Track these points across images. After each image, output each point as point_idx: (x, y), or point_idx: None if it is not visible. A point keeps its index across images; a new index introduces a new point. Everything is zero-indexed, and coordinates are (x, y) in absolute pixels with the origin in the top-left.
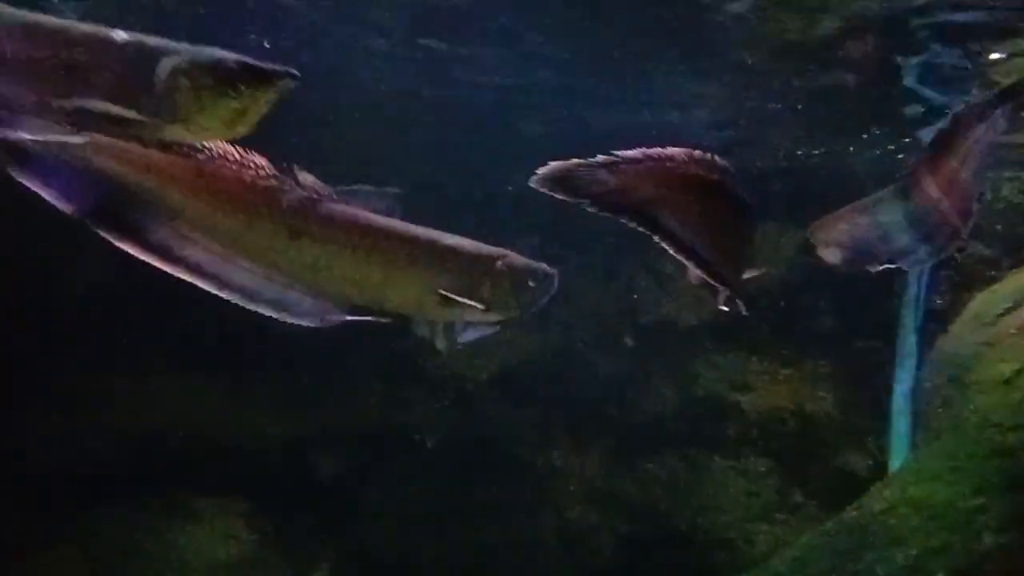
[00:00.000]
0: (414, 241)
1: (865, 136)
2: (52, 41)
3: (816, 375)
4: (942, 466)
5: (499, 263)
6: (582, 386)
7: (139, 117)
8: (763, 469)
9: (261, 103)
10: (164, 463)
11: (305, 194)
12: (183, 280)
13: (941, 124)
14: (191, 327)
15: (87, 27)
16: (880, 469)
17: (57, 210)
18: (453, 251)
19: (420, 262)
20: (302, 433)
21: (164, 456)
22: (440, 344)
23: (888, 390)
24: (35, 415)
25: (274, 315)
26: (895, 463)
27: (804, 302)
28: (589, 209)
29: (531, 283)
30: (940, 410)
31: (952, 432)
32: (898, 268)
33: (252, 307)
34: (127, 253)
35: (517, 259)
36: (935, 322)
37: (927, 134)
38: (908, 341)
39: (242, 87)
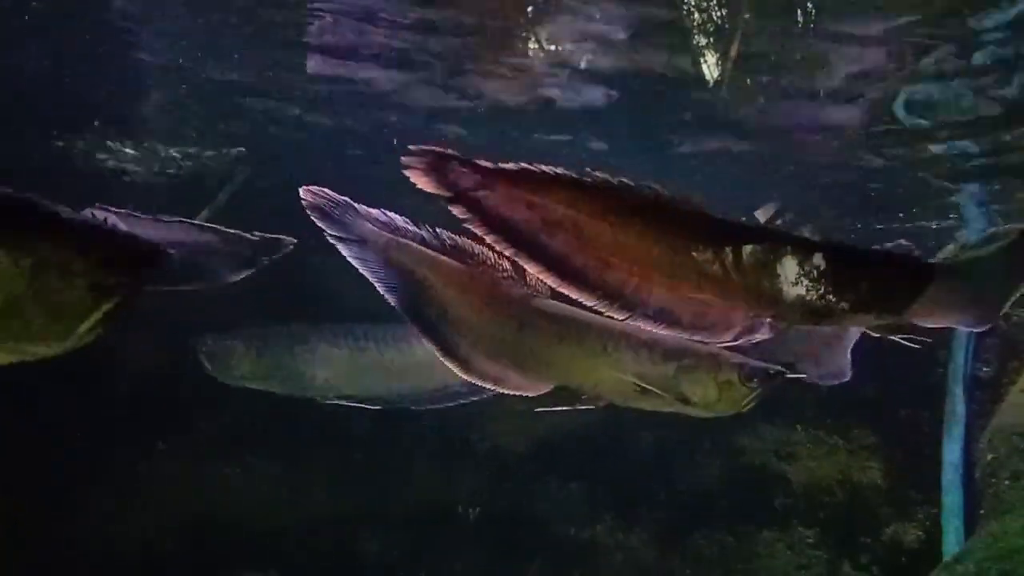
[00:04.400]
0: (612, 333)
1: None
2: None
3: (862, 444)
4: (1019, 541)
5: (687, 360)
6: (627, 460)
7: None
8: (811, 541)
9: None
10: (215, 544)
11: (529, 291)
12: None
13: None
14: (243, 408)
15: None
16: (931, 541)
17: None
18: (650, 345)
19: (617, 353)
20: (350, 511)
21: (215, 537)
22: None
23: (937, 460)
24: (88, 497)
25: (494, 389)
26: (948, 535)
27: None
28: None
29: (741, 382)
30: (1008, 482)
31: None
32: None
33: (481, 384)
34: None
35: (728, 357)
36: (982, 390)
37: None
38: (956, 410)
39: None
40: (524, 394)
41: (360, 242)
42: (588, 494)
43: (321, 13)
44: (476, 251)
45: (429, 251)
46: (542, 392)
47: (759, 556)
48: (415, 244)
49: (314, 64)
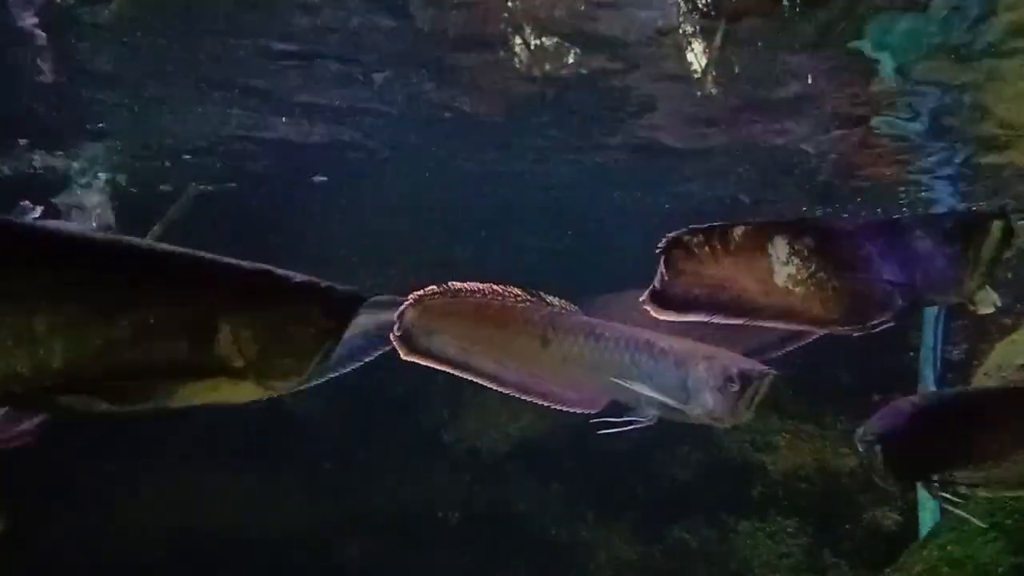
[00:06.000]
0: (629, 343)
1: None
2: None
3: (838, 432)
4: (981, 525)
5: (687, 364)
6: (605, 456)
7: None
8: (791, 529)
9: None
10: (193, 556)
11: (551, 310)
12: None
13: None
14: (217, 422)
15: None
16: (909, 525)
17: None
18: (664, 352)
19: (640, 363)
20: (328, 519)
21: (193, 549)
22: None
23: None
24: (66, 512)
25: (542, 403)
26: (924, 518)
27: (821, 358)
28: None
29: (734, 386)
30: None
31: None
32: (913, 321)
33: (526, 398)
34: None
35: (723, 361)
36: (953, 373)
37: None
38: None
39: None
40: (584, 411)
41: (408, 335)
42: (568, 492)
43: None
44: (483, 289)
45: (448, 302)
46: (598, 408)
47: (740, 547)
48: (436, 303)
49: None
